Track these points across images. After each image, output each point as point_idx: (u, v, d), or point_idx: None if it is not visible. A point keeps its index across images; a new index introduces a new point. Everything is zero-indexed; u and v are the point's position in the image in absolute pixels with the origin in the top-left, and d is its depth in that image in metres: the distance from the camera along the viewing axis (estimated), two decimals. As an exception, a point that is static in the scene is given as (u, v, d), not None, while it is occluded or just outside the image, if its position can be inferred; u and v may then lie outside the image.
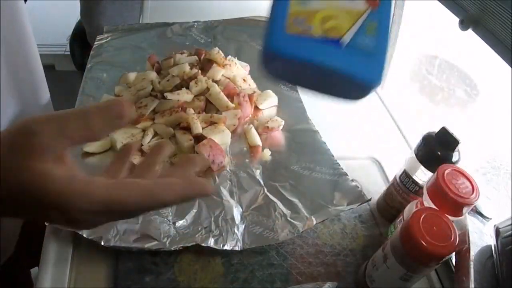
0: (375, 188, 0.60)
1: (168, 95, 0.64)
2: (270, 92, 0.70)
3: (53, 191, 0.24)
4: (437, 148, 0.47)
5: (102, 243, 0.46)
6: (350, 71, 0.31)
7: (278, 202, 0.53)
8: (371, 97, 0.80)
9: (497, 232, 0.45)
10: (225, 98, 0.65)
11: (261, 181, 0.56)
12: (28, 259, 0.66)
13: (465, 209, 0.42)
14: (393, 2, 0.34)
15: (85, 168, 0.55)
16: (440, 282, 0.50)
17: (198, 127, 0.59)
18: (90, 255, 0.47)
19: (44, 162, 0.25)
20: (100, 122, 0.26)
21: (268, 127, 0.64)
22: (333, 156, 0.61)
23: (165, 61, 0.73)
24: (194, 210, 0.51)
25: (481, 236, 0.45)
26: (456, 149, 0.47)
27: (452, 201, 0.41)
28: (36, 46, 0.62)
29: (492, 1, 0.52)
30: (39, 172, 0.24)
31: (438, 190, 0.42)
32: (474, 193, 0.42)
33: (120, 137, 0.57)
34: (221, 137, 0.60)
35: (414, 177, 0.50)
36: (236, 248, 0.48)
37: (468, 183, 0.42)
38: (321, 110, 0.72)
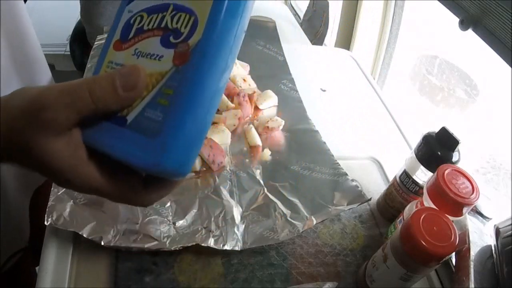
0: (375, 188, 0.60)
1: (168, 95, 0.64)
2: (270, 92, 0.70)
3: (56, 170, 0.26)
4: (437, 148, 0.47)
5: (102, 243, 0.46)
6: (127, 158, 0.26)
7: (278, 202, 0.53)
8: (371, 97, 0.80)
9: (497, 232, 0.45)
10: (225, 98, 0.65)
11: (261, 181, 0.56)
12: (34, 257, 0.66)
13: (465, 209, 0.42)
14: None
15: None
16: (440, 282, 0.50)
17: (198, 127, 0.59)
18: (90, 255, 0.47)
19: (53, 136, 0.26)
20: (106, 95, 0.26)
21: (268, 127, 0.64)
22: (333, 156, 0.61)
23: (165, 61, 0.73)
24: (194, 210, 0.51)
25: (481, 236, 0.45)
26: (456, 149, 0.47)
27: (452, 201, 0.41)
28: (32, 28, 0.61)
29: (492, 1, 0.52)
30: (46, 150, 0.26)
31: (438, 190, 0.42)
32: (474, 193, 0.42)
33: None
34: (221, 137, 0.60)
35: (414, 177, 0.50)
36: (236, 248, 0.48)
37: (468, 183, 0.42)
38: (321, 110, 0.73)
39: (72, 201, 0.49)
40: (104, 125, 0.27)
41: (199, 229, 0.49)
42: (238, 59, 0.74)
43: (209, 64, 0.25)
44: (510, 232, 0.44)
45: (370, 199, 0.54)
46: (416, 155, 0.49)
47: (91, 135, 0.27)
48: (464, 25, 0.58)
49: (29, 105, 0.26)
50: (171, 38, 0.26)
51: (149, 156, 0.25)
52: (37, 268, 0.65)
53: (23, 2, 0.57)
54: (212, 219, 0.50)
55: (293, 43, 0.97)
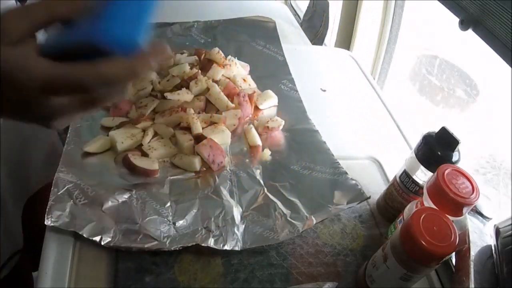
0: (375, 188, 0.60)
1: (168, 95, 0.64)
2: (270, 92, 0.70)
3: (5, 68, 0.28)
4: (437, 148, 0.47)
5: (102, 243, 0.46)
6: (80, 37, 0.31)
7: (278, 202, 0.53)
8: (371, 97, 0.80)
9: (497, 232, 0.45)
10: (225, 98, 0.65)
11: (261, 181, 0.56)
12: (31, 263, 0.66)
13: (465, 209, 0.42)
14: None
15: (85, 168, 0.55)
16: (440, 282, 0.50)
17: (198, 127, 0.59)
18: (90, 255, 0.47)
19: (6, 44, 0.28)
20: (63, 8, 0.30)
21: (268, 127, 0.64)
22: (333, 155, 0.61)
23: (165, 61, 0.73)
24: (194, 210, 0.51)
25: (481, 236, 0.45)
26: (456, 149, 0.47)
27: (452, 201, 0.41)
28: None
29: (492, 1, 0.52)
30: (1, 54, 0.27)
31: (438, 190, 0.42)
32: (474, 193, 0.42)
33: (120, 137, 0.57)
34: (221, 137, 0.60)
35: (414, 177, 0.50)
36: (236, 248, 0.48)
37: (468, 183, 0.42)
38: (321, 110, 0.73)
39: (72, 201, 0.49)
40: (59, 29, 0.31)
41: (199, 229, 0.49)
42: (238, 59, 0.74)
43: None
44: (510, 232, 0.44)
45: (369, 197, 0.54)
46: (416, 155, 0.49)
47: (48, 42, 0.31)
48: (464, 25, 0.58)
49: None
50: None
51: (95, 28, 0.30)
52: (34, 273, 0.65)
53: (13, 2, 0.57)
54: (212, 219, 0.50)
55: (293, 43, 0.97)
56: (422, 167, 0.49)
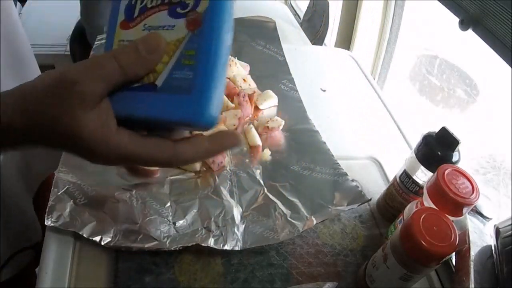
0: (375, 188, 0.60)
1: (168, 95, 0.64)
2: (270, 92, 0.70)
3: (86, 142, 0.27)
4: (437, 148, 0.47)
5: (102, 243, 0.46)
6: (168, 116, 0.29)
7: (278, 202, 0.53)
8: (371, 97, 0.80)
9: (497, 232, 0.45)
10: (225, 98, 0.65)
11: (261, 181, 0.56)
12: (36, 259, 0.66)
13: (465, 209, 0.42)
14: (227, 19, 0.29)
15: (85, 168, 0.54)
16: (440, 282, 0.50)
17: (198, 127, 0.59)
18: (90, 255, 0.47)
19: (84, 108, 0.27)
20: (132, 60, 0.28)
21: (268, 127, 0.64)
22: (333, 156, 0.61)
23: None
24: (194, 210, 0.51)
25: (481, 236, 0.45)
26: (456, 149, 0.47)
27: (452, 201, 0.41)
28: (22, 27, 0.61)
29: (492, 1, 0.52)
30: (77, 123, 0.27)
31: (438, 190, 0.42)
32: (474, 193, 0.42)
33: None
34: (221, 137, 0.60)
35: (414, 177, 0.50)
36: (236, 248, 0.48)
37: (468, 183, 0.42)
38: (321, 110, 0.73)
39: (72, 201, 0.49)
40: (135, 94, 0.29)
41: (199, 229, 0.49)
42: (238, 59, 0.74)
43: (220, 25, 0.29)
44: (510, 232, 0.44)
45: (370, 200, 0.54)
46: (416, 155, 0.49)
47: (124, 106, 0.29)
48: (464, 25, 0.58)
49: (56, 83, 0.27)
50: (179, 9, 0.30)
51: (187, 110, 0.28)
52: (37, 269, 0.64)
53: (12, 2, 0.57)
54: (212, 219, 0.50)
55: (293, 43, 0.97)
56: (422, 167, 0.49)
